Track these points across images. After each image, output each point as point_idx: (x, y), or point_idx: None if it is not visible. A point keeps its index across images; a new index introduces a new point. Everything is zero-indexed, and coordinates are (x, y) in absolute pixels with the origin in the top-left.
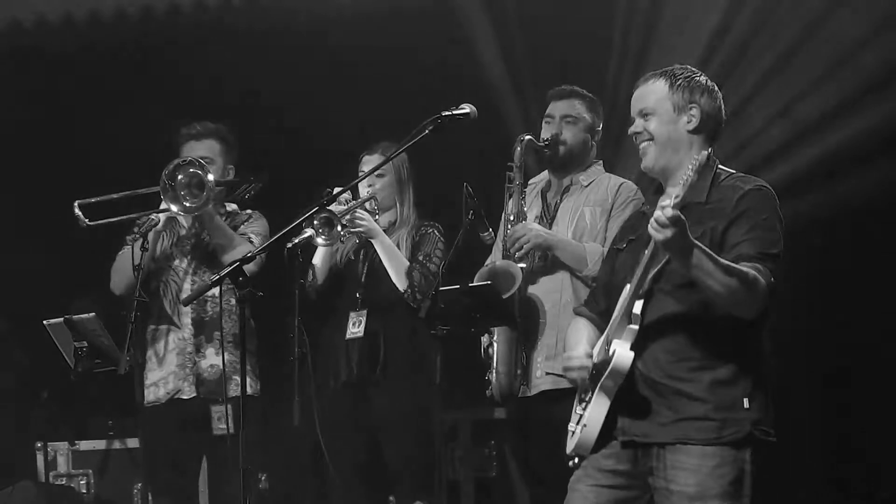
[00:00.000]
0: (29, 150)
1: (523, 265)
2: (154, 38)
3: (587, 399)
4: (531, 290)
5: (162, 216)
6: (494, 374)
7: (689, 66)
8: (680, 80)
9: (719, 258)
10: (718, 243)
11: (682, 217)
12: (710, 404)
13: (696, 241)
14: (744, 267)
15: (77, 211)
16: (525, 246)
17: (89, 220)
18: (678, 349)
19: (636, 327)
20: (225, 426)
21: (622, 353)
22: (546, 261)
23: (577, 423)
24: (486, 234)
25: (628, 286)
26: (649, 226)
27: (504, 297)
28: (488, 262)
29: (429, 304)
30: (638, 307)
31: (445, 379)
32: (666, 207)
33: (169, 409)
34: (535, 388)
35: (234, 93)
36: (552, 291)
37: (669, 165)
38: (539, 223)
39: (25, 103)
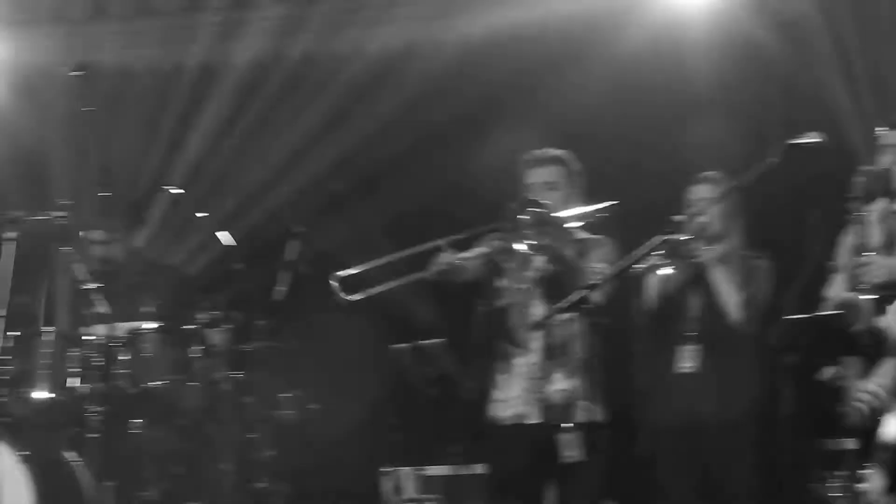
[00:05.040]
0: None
1: (868, 297)
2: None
3: None
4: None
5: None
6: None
7: None
8: None
9: None
10: None
11: None
12: None
13: None
14: None
15: (335, 285)
16: (875, 280)
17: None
18: None
19: None
20: (573, 453)
21: None
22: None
23: None
24: (831, 262)
25: None
26: None
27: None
28: (829, 293)
29: (777, 334)
30: None
31: (794, 409)
32: None
33: (513, 433)
34: None
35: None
36: None
37: None
38: (884, 252)
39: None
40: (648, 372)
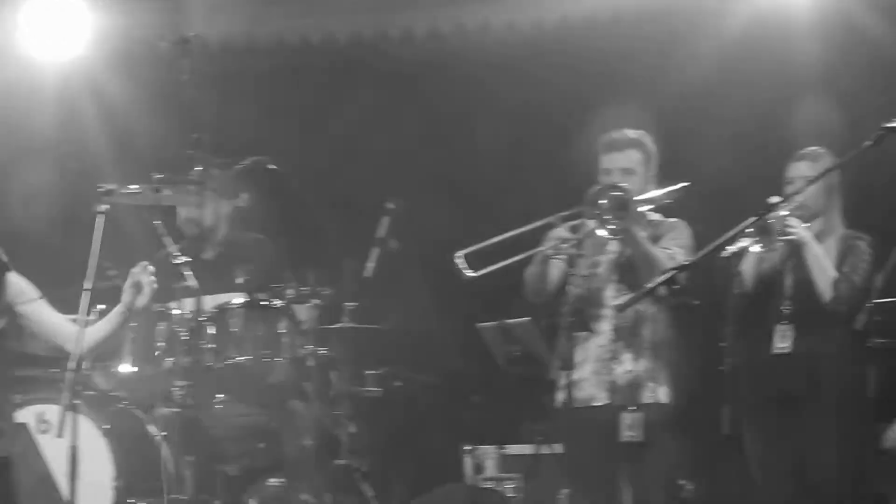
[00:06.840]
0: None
1: None
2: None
3: None
4: None
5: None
6: None
7: None
8: None
9: None
10: None
11: None
12: None
13: None
14: None
15: (459, 262)
16: None
17: (473, 271)
18: None
19: None
20: (633, 433)
21: None
22: None
23: None
24: None
25: None
26: None
27: None
28: None
29: (865, 317)
30: None
31: (880, 393)
32: None
33: (582, 415)
34: None
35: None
36: None
37: None
38: None
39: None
40: (741, 353)
